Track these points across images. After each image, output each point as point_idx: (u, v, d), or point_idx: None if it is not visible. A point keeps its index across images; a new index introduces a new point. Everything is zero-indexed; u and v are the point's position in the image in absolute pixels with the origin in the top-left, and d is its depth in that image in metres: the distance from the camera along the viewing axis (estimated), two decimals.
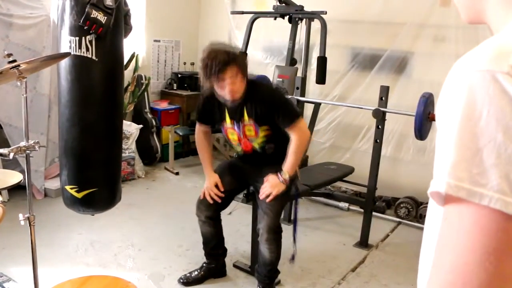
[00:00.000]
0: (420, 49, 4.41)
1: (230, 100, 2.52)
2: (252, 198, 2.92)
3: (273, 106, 2.58)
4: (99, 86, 2.64)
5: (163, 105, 5.25)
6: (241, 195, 3.39)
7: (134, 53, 4.89)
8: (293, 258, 3.10)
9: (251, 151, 2.69)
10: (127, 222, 3.75)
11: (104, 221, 3.63)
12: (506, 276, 0.53)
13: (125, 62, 4.73)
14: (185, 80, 5.46)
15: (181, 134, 5.14)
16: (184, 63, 5.69)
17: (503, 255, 0.52)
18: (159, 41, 5.41)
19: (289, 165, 2.58)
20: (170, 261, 3.18)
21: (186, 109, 5.40)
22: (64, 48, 2.55)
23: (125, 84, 4.84)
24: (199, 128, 2.83)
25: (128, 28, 2.90)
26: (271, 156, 2.68)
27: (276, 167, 2.60)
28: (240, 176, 2.80)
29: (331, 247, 3.59)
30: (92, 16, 2.46)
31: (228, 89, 2.45)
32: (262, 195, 2.58)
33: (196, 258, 3.19)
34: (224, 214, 3.22)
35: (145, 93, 5.09)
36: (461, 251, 0.54)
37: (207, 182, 2.76)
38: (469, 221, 0.54)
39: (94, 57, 2.53)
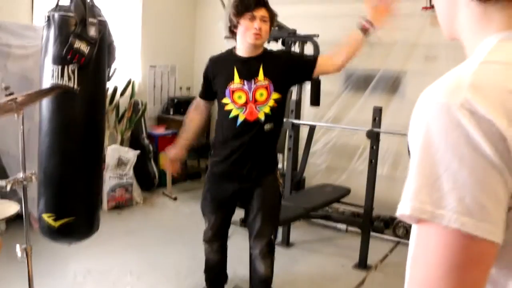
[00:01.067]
0: (412, 68, 4.48)
1: (252, 43, 2.41)
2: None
3: (292, 60, 2.61)
4: (80, 116, 2.65)
5: (160, 130, 5.29)
6: (238, 219, 3.39)
7: (130, 79, 4.94)
8: None
9: (253, 121, 2.47)
10: (125, 249, 3.74)
11: (102, 249, 3.62)
12: (475, 282, 0.60)
13: (121, 89, 4.81)
14: (181, 105, 5.50)
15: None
16: (180, 88, 5.75)
17: (464, 269, 0.59)
18: (155, 66, 5.48)
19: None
20: None
21: None
22: (47, 77, 2.58)
23: (122, 110, 4.90)
24: (196, 102, 2.77)
25: (112, 59, 2.94)
26: (263, 145, 2.55)
27: (266, 175, 2.58)
28: (228, 203, 2.70)
29: (330, 269, 3.58)
30: (75, 46, 2.51)
31: (257, 26, 2.37)
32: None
33: (195, 286, 3.17)
34: None
35: (142, 119, 5.12)
36: (429, 267, 0.61)
37: (169, 152, 2.74)
38: (434, 240, 0.60)
39: (76, 87, 2.57)
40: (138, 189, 4.83)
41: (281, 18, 4.42)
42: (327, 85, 4.52)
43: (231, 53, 2.55)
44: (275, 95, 2.46)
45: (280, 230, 3.83)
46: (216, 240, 2.75)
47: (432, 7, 2.97)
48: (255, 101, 2.45)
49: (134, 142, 5.09)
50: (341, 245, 4.06)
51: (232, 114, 2.48)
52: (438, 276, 0.60)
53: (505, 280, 0.66)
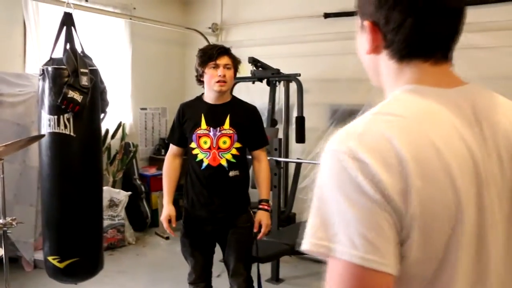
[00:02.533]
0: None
1: (217, 90, 2.53)
2: None
3: (255, 122, 2.69)
4: (78, 160, 2.78)
5: (152, 171, 5.38)
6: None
7: (120, 122, 5.07)
8: None
9: (216, 166, 2.57)
10: None
11: None
12: None
13: (112, 131, 4.93)
14: None
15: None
16: None
17: None
18: (145, 109, 5.63)
19: (267, 191, 2.71)
20: None
21: None
22: (44, 126, 2.72)
23: (113, 152, 5.00)
24: (170, 151, 2.80)
25: (105, 104, 3.07)
26: (231, 190, 2.63)
27: (238, 215, 2.66)
28: (206, 245, 2.75)
29: None
30: (69, 96, 2.64)
31: (221, 75, 2.49)
32: (261, 235, 2.68)
33: None
34: (213, 277, 3.27)
35: (134, 160, 5.23)
36: None
37: (162, 214, 2.74)
38: (332, 270, 0.70)
39: (72, 134, 2.69)
40: (131, 229, 4.88)
41: (265, 58, 4.62)
42: (313, 120, 4.65)
43: (200, 99, 2.68)
44: (237, 144, 2.58)
45: (268, 266, 3.88)
46: (201, 281, 2.78)
47: None
48: (218, 147, 2.56)
49: (126, 183, 5.18)
50: None
51: (198, 158, 2.59)
52: None
53: None
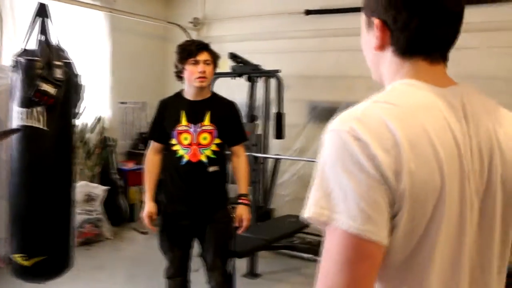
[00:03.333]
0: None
1: (198, 86, 2.55)
2: None
3: (234, 117, 2.72)
4: (49, 155, 2.72)
5: (130, 165, 5.34)
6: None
7: (100, 116, 5.03)
8: None
9: (195, 162, 2.59)
10: (94, 285, 3.74)
11: (70, 286, 3.62)
12: (359, 277, 0.75)
13: (91, 125, 4.89)
14: None
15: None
16: None
17: (355, 263, 0.74)
18: (125, 103, 5.58)
19: (246, 185, 2.74)
20: None
21: None
22: (15, 119, 2.66)
23: (91, 147, 4.96)
24: (151, 147, 2.79)
25: (79, 99, 3.03)
26: (210, 185, 2.65)
27: (216, 211, 2.68)
28: (184, 239, 2.76)
29: None
30: (42, 88, 2.60)
31: (200, 70, 2.51)
32: (242, 230, 2.71)
33: None
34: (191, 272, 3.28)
35: (112, 155, 5.18)
36: (328, 261, 0.76)
37: (144, 211, 2.73)
38: (331, 239, 0.76)
39: (45, 127, 2.64)
40: (108, 224, 4.84)
41: (246, 54, 4.62)
42: (292, 117, 4.67)
43: (179, 96, 2.69)
44: (217, 140, 2.60)
45: (245, 261, 3.89)
46: (179, 276, 2.79)
47: None
48: (198, 143, 2.58)
49: (104, 177, 5.13)
50: (308, 274, 4.12)
51: (178, 154, 2.60)
52: (335, 268, 0.75)
53: (400, 278, 0.83)
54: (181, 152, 2.60)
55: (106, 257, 4.36)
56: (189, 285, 2.89)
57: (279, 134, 4.43)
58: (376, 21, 0.90)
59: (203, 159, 2.59)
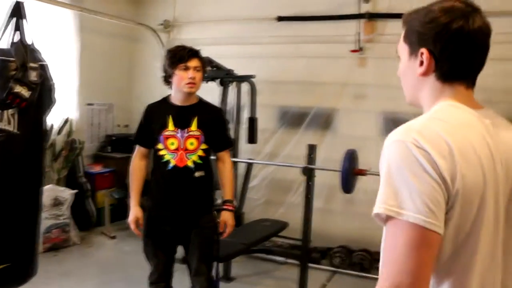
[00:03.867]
0: (343, 106, 4.77)
1: (187, 92, 2.56)
2: None
3: (221, 123, 2.75)
4: (18, 159, 2.65)
5: (98, 168, 5.23)
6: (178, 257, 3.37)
7: (67, 118, 4.90)
8: None
9: (182, 167, 2.59)
10: None
11: None
12: (423, 263, 0.90)
13: (58, 127, 4.76)
14: (119, 143, 5.49)
15: (117, 197, 5.12)
16: (118, 125, 5.75)
17: (419, 249, 0.89)
18: (92, 104, 5.46)
19: (231, 191, 2.77)
20: None
21: (121, 172, 5.39)
22: None
23: (58, 149, 4.82)
24: (136, 151, 2.76)
25: (51, 102, 2.95)
26: (196, 190, 2.65)
27: (202, 215, 2.68)
28: (169, 244, 2.75)
29: None
30: (15, 91, 2.53)
31: (191, 77, 2.52)
32: (226, 235, 2.72)
33: None
34: None
35: (79, 158, 5.06)
36: (397, 249, 0.91)
37: (130, 216, 2.69)
38: (399, 231, 0.91)
39: (15, 130, 2.57)
40: (76, 229, 4.72)
41: (216, 58, 4.63)
42: (262, 122, 4.71)
43: (166, 101, 2.69)
44: (203, 146, 2.61)
45: (220, 265, 3.90)
46: (162, 281, 2.77)
47: (360, 50, 3.38)
48: (185, 149, 2.58)
49: (71, 181, 5.00)
50: (280, 277, 4.19)
51: (164, 159, 2.60)
52: (403, 255, 0.89)
53: (448, 271, 0.98)
54: (167, 157, 2.59)
55: (75, 263, 4.25)
56: None
57: (252, 139, 4.47)
58: (424, 51, 1.06)
59: (190, 164, 2.59)
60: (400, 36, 1.16)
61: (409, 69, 1.12)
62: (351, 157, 3.51)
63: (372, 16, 4.56)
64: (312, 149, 3.79)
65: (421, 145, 0.92)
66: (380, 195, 0.95)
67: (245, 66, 4.73)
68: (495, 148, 1.00)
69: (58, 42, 4.87)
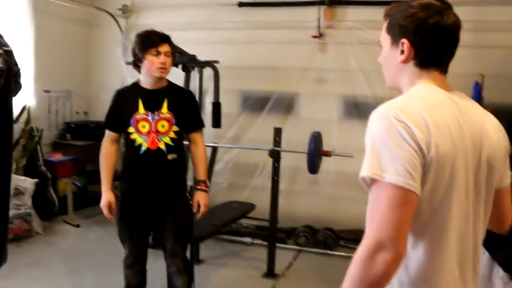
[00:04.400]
0: (305, 90, 4.90)
1: (158, 76, 2.59)
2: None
3: (191, 105, 2.78)
4: None
5: (58, 156, 5.12)
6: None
7: (25, 105, 4.76)
8: None
9: (155, 149, 2.61)
10: (30, 283, 3.58)
11: (7, 284, 3.46)
12: (402, 218, 1.05)
13: (16, 115, 4.61)
14: (79, 130, 5.40)
15: (79, 185, 5.05)
16: (77, 113, 5.63)
17: (399, 207, 1.04)
18: (49, 91, 5.32)
19: (204, 172, 2.80)
20: None
21: (82, 159, 5.31)
22: None
23: (16, 137, 4.68)
24: (107, 136, 2.76)
25: (18, 87, 2.90)
26: (169, 173, 2.69)
27: (176, 198, 2.73)
28: (143, 227, 2.79)
29: (241, 280, 3.79)
30: None
31: (162, 61, 2.54)
32: (200, 215, 2.75)
33: None
34: None
35: (38, 146, 4.94)
36: (380, 208, 1.06)
37: (102, 201, 2.68)
38: (382, 192, 1.06)
39: None
40: (37, 218, 4.63)
41: (181, 44, 4.62)
42: (225, 106, 4.75)
43: (136, 85, 2.71)
44: (175, 128, 2.64)
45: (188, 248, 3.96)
46: (137, 264, 2.80)
47: (320, 35, 3.53)
48: (157, 131, 2.61)
49: (30, 170, 4.87)
50: (248, 258, 4.30)
51: (136, 143, 2.62)
52: (385, 212, 1.05)
53: (427, 228, 1.14)
54: (139, 140, 2.61)
55: (40, 253, 4.18)
56: (146, 273, 2.91)
57: (217, 123, 4.51)
58: (405, 41, 1.23)
59: (162, 146, 2.62)
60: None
61: (390, 57, 1.28)
62: (316, 139, 3.66)
63: (332, 3, 4.69)
64: (278, 132, 3.90)
65: (402, 119, 1.08)
66: (365, 161, 1.09)
67: (207, 51, 4.74)
68: (465, 125, 1.16)
69: (11, 26, 4.69)
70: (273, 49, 4.94)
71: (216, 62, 4.52)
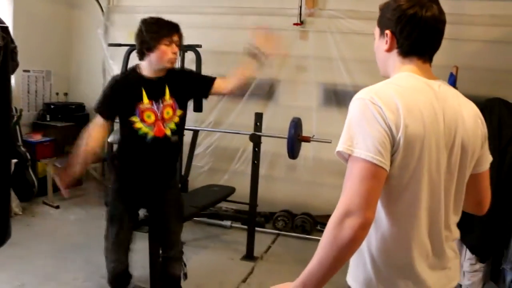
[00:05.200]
0: (285, 77, 4.96)
1: (169, 67, 2.57)
2: (146, 224, 3.04)
3: (191, 78, 2.77)
4: None
5: (37, 137, 5.09)
6: None
7: None
8: (185, 276, 3.28)
9: (161, 137, 2.61)
10: (12, 262, 3.61)
11: None
12: (371, 189, 1.15)
13: None
14: (59, 111, 5.37)
15: (60, 166, 5.04)
16: (57, 94, 5.59)
17: (368, 179, 1.15)
18: (29, 71, 5.27)
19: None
20: None
21: (62, 141, 5.30)
22: None
23: None
24: (97, 121, 2.66)
25: (15, 65, 2.90)
26: (172, 154, 2.74)
27: (172, 178, 2.81)
28: (136, 209, 2.83)
29: (221, 262, 3.89)
30: None
31: (175, 51, 2.53)
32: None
33: None
34: None
35: (17, 126, 4.91)
36: (351, 179, 1.17)
37: (67, 168, 2.58)
38: (354, 165, 1.18)
39: None
40: (16, 199, 4.62)
41: None
42: None
43: (136, 73, 2.63)
44: (179, 112, 2.65)
45: None
46: (123, 250, 2.80)
47: (301, 23, 3.62)
48: (163, 119, 2.60)
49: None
50: (227, 241, 4.39)
51: (141, 132, 2.59)
52: (355, 183, 1.16)
53: (401, 200, 1.25)
54: (145, 129, 2.58)
55: (20, 233, 4.17)
56: (130, 259, 2.90)
57: (198, 107, 4.54)
58: (388, 32, 1.34)
59: (168, 132, 2.62)
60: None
61: (379, 47, 1.39)
62: (296, 125, 3.74)
63: None
64: (259, 116, 3.97)
65: (376, 102, 1.19)
66: (341, 138, 1.21)
67: (189, 35, 4.71)
68: (440, 110, 1.26)
69: None
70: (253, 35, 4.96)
71: (199, 46, 4.54)
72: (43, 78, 5.48)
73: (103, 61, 5.57)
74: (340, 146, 1.20)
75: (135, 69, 2.67)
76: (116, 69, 5.31)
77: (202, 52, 4.68)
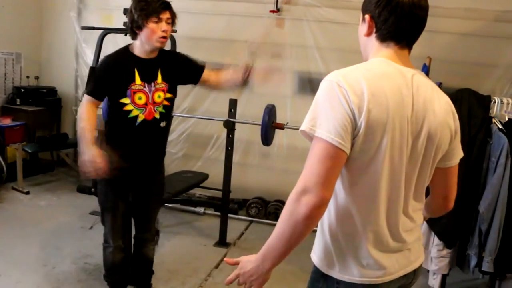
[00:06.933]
0: (260, 64, 4.94)
1: (158, 46, 2.49)
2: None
3: (183, 62, 2.69)
4: None
5: (7, 121, 4.97)
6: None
7: None
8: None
9: (150, 119, 2.55)
10: None
11: None
12: (329, 168, 1.18)
13: None
14: (30, 95, 5.25)
15: (30, 151, 4.95)
16: (28, 77, 5.45)
17: (327, 160, 1.18)
18: None
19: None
20: (38, 282, 3.15)
21: (33, 125, 5.20)
22: None
23: None
24: (89, 101, 2.55)
25: None
26: (161, 139, 2.72)
27: (160, 163, 2.80)
28: (127, 195, 2.77)
29: (194, 249, 3.89)
30: None
31: (164, 30, 2.45)
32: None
33: (64, 275, 3.23)
34: (85, 229, 3.24)
35: None
36: (311, 158, 1.20)
37: (86, 156, 2.41)
38: (316, 145, 1.20)
39: None
40: None
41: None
42: None
43: (128, 52, 2.56)
44: (168, 95, 2.61)
45: None
46: (120, 238, 2.77)
47: (278, 10, 3.62)
48: (153, 102, 2.55)
49: None
50: (200, 227, 4.39)
51: (131, 114, 2.53)
52: (316, 162, 1.19)
53: (362, 182, 1.28)
54: (135, 112, 2.53)
55: None
56: (130, 247, 2.92)
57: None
58: (367, 16, 1.35)
59: (157, 116, 2.58)
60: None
61: (360, 32, 1.40)
62: (270, 112, 3.75)
63: None
64: (233, 103, 3.97)
65: (342, 84, 1.20)
66: (306, 118, 1.23)
67: None
68: (409, 97, 1.27)
69: None
70: (231, 22, 4.94)
71: (174, 31, 4.47)
72: (13, 60, 5.34)
73: (76, 45, 5.46)
74: (304, 126, 1.22)
75: (127, 48, 2.58)
76: (89, 53, 5.22)
77: (177, 37, 4.63)
